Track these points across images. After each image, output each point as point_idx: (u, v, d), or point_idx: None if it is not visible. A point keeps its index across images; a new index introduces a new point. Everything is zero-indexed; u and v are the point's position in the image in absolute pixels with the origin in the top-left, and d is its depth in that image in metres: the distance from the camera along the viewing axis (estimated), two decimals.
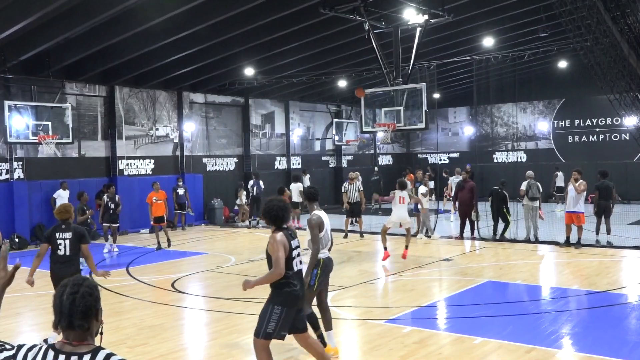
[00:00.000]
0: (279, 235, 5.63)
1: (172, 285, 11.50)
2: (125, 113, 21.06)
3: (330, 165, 29.59)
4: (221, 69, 20.68)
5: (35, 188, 18.35)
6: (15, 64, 17.13)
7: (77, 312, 2.62)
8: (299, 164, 27.62)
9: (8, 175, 18.07)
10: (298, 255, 5.79)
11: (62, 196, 18.32)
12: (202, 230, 21.02)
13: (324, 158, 29.48)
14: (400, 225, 14.24)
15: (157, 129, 22.05)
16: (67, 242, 7.57)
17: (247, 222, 21.61)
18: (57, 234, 7.63)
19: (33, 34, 15.55)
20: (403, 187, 14.12)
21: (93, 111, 20.40)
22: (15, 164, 18.13)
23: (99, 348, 2.65)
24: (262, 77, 22.11)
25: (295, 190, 19.53)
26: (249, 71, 20.82)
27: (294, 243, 5.73)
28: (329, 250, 7.18)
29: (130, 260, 14.51)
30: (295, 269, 5.74)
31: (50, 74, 18.19)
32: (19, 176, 18.17)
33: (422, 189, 17.50)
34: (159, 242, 16.25)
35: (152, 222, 16.83)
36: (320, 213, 7.03)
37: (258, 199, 21.38)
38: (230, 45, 18.03)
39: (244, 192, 22.11)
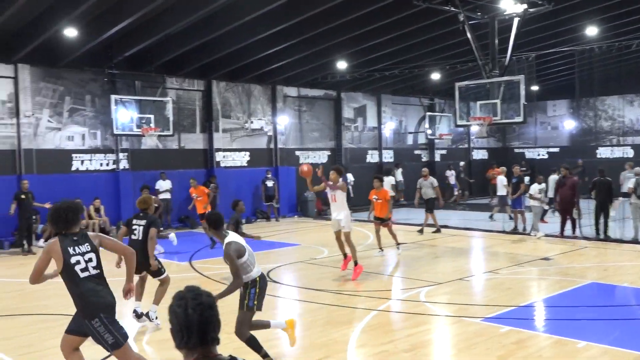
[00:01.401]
0: (50, 243, 5.22)
1: (267, 274, 11.73)
2: (222, 106, 21.70)
3: (423, 159, 29.15)
4: (314, 63, 20.85)
5: (139, 178, 19.26)
6: (120, 60, 18.06)
7: (210, 325, 2.47)
8: (391, 158, 27.43)
9: (115, 166, 19.13)
10: (90, 260, 5.22)
11: (162, 186, 19.22)
12: (295, 222, 21.33)
13: (416, 152, 29.10)
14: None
15: (252, 122, 22.56)
16: (141, 228, 8.34)
17: None
18: (134, 221, 8.49)
19: (137, 32, 16.32)
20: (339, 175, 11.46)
21: (191, 105, 21.16)
22: (121, 154, 19.16)
23: (234, 357, 2.51)
24: (354, 70, 22.10)
25: (387, 184, 19.37)
26: (342, 65, 20.86)
27: (76, 249, 5.19)
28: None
29: None
30: (82, 275, 5.17)
31: (152, 70, 19.05)
32: (124, 167, 19.19)
33: (536, 187, 16.58)
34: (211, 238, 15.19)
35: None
36: (234, 238, 6.27)
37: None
38: (322, 39, 18.15)
39: None
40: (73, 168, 18.41)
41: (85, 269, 5.20)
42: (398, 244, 13.96)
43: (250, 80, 22.09)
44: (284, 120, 23.29)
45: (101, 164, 18.95)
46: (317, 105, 24.99)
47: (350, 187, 21.80)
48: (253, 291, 6.27)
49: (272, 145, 23.21)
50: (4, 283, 11.78)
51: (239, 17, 15.50)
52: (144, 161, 19.75)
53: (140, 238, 8.31)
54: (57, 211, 5.30)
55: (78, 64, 17.83)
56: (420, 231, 17.12)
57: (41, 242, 16.57)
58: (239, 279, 6.07)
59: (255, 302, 6.31)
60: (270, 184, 21.76)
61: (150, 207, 8.59)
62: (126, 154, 19.30)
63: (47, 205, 16.33)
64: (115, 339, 5.20)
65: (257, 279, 6.35)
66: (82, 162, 18.59)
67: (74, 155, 18.43)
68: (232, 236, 6.28)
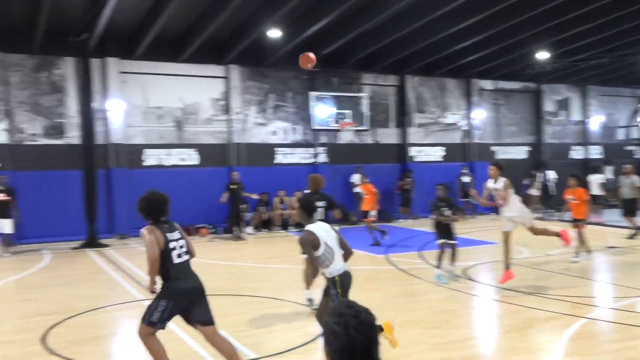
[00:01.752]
0: (150, 227, 5.43)
1: (465, 272, 11.47)
2: (416, 101, 21.66)
3: (636, 156, 26.45)
4: (511, 54, 20.00)
5: (336, 171, 19.98)
6: (318, 58, 18.79)
7: (374, 346, 2.21)
8: (599, 154, 25.31)
9: (314, 159, 20.08)
10: (182, 247, 5.51)
11: (357, 180, 19.73)
12: (491, 219, 20.57)
13: (628, 148, 26.50)
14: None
15: (446, 117, 22.23)
16: (322, 209, 8.38)
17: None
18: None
19: (333, 30, 16.93)
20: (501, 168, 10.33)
21: (385, 100, 21.42)
22: (319, 149, 20.04)
23: None
24: (556, 60, 20.73)
25: (595, 183, 17.92)
26: (542, 55, 19.69)
27: (171, 235, 5.47)
28: (345, 261, 6.01)
29: (423, 244, 14.83)
30: (176, 261, 5.44)
31: (348, 66, 19.62)
32: (323, 160, 20.04)
33: None
34: (374, 237, 14.99)
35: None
36: (312, 227, 5.88)
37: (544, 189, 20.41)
38: (520, 29, 17.30)
39: (537, 182, 21.07)
40: (276, 161, 19.66)
41: (180, 255, 5.49)
42: (577, 252, 12.31)
43: (444, 74, 21.78)
44: (480, 115, 22.60)
45: (301, 158, 19.99)
46: (515, 99, 23.88)
47: (551, 185, 20.53)
48: (335, 292, 5.86)
49: (466, 140, 22.66)
50: (219, 266, 12.90)
51: (432, 11, 15.35)
52: (341, 155, 20.43)
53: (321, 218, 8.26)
54: (151, 201, 5.54)
55: (280, 63, 18.97)
56: (631, 236, 15.46)
57: (249, 229, 17.97)
58: (314, 264, 6.22)
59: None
60: (466, 179, 21.27)
61: (321, 185, 8.80)
62: (324, 148, 20.13)
63: (255, 196, 17.68)
64: (158, 320, 5.36)
65: (338, 278, 5.85)
66: (284, 155, 19.78)
67: (276, 149, 19.68)
68: (314, 226, 5.94)
